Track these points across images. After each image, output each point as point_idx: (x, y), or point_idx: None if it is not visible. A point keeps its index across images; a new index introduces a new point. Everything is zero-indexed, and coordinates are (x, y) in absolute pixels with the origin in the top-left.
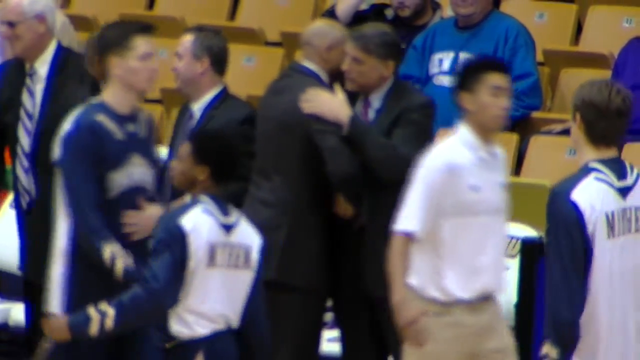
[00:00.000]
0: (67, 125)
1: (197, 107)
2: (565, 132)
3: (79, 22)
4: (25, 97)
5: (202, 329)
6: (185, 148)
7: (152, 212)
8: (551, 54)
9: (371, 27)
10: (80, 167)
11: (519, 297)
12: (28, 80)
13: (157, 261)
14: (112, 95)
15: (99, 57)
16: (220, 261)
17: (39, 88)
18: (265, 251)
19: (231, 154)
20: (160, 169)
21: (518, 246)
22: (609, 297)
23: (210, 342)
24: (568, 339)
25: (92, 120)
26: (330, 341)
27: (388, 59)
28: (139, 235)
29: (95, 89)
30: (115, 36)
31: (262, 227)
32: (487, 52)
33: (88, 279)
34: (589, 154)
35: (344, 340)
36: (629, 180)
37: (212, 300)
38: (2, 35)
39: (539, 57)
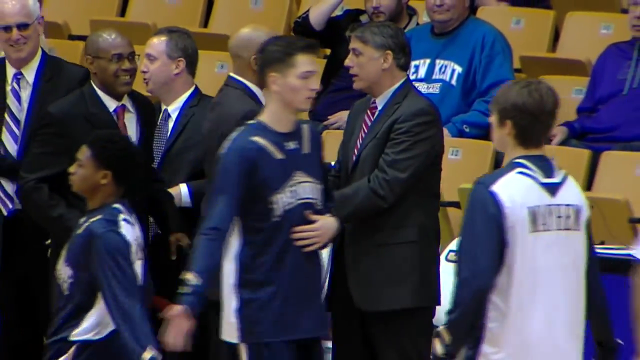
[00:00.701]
0: (223, 147)
1: (173, 108)
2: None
3: (50, 28)
4: (10, 102)
5: None
6: (84, 153)
7: (323, 223)
8: (528, 60)
9: (372, 22)
10: (220, 195)
11: None
12: (15, 85)
13: None
14: (270, 113)
15: (261, 70)
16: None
17: (26, 93)
18: None
19: (133, 156)
20: None
21: None
22: (534, 293)
23: None
24: (474, 312)
25: (247, 142)
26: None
27: (385, 49)
28: (315, 247)
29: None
30: (278, 52)
31: None
32: (464, 58)
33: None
34: (518, 154)
35: (335, 354)
36: (557, 178)
37: None
38: (13, 39)
39: (516, 64)
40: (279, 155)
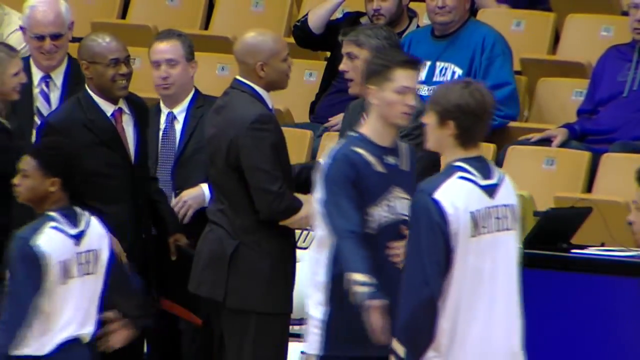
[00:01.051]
0: (325, 158)
1: (179, 111)
2: (543, 141)
3: None
4: (40, 104)
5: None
6: (29, 163)
7: None
8: (528, 62)
9: (365, 25)
10: (340, 199)
11: None
12: (43, 87)
13: None
14: (371, 126)
15: (363, 82)
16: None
17: (55, 96)
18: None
19: (79, 161)
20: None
21: None
22: (474, 295)
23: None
24: (425, 320)
25: (350, 152)
26: (303, 354)
27: None
28: None
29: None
30: (377, 65)
31: (215, 247)
32: (464, 61)
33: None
34: (458, 155)
35: None
36: (495, 179)
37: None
38: (45, 48)
39: (516, 66)
40: (379, 168)
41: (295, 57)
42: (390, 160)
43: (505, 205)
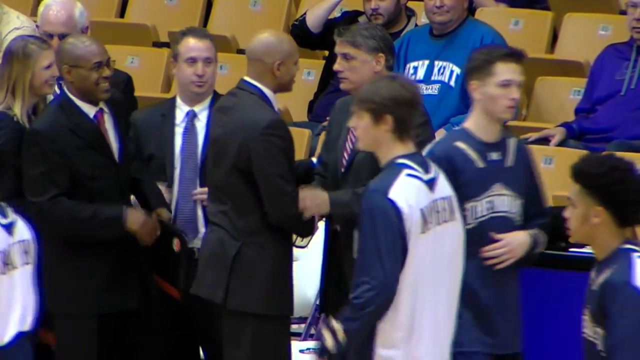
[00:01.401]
0: (424, 151)
1: (200, 109)
2: (541, 140)
3: None
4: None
5: None
6: None
7: (511, 239)
8: (527, 61)
9: (359, 24)
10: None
11: None
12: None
13: None
14: (475, 121)
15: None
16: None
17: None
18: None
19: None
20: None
21: None
22: (426, 291)
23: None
24: (379, 318)
25: (449, 147)
26: (302, 352)
27: (378, 52)
28: (506, 263)
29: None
30: (478, 60)
31: (216, 249)
32: (463, 60)
33: None
34: (398, 150)
35: None
36: (432, 173)
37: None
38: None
39: None
40: (480, 164)
41: None
42: (494, 156)
43: (443, 198)
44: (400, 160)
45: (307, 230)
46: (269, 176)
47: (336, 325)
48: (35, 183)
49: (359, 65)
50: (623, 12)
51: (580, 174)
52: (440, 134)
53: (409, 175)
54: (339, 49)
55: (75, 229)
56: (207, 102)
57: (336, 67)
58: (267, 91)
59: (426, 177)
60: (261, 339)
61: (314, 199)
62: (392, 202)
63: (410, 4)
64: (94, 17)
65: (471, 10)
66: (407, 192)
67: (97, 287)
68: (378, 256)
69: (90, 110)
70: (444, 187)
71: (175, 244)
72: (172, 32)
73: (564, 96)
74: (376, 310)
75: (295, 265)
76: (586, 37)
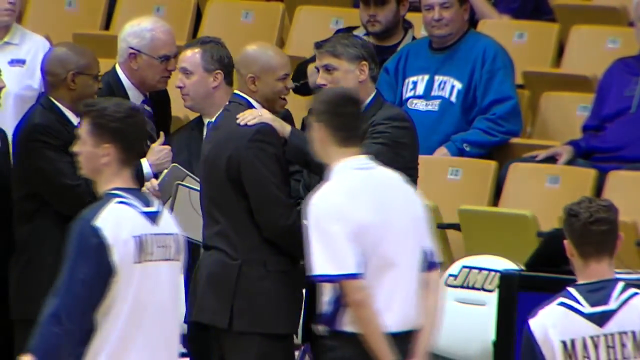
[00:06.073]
0: None
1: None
2: (549, 159)
3: None
4: None
5: None
6: None
7: None
8: (531, 76)
9: (338, 34)
10: None
11: (497, 333)
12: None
13: None
14: None
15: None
16: None
17: None
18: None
19: None
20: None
21: (496, 280)
22: (137, 327)
23: None
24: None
25: None
26: None
27: (360, 60)
28: None
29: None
30: None
31: (216, 271)
32: (464, 74)
33: None
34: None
35: None
36: (155, 207)
37: None
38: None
39: (519, 80)
40: None
41: None
42: None
43: (169, 234)
44: (115, 192)
45: (297, 244)
46: (259, 184)
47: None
48: (71, 168)
49: (342, 76)
50: (632, 25)
51: None
52: (440, 152)
53: (121, 202)
54: (319, 61)
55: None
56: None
57: (319, 80)
58: (255, 103)
59: (145, 208)
60: (267, 358)
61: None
62: (96, 230)
63: (409, 16)
64: (78, 29)
65: (473, 22)
66: (114, 219)
67: None
68: (70, 285)
69: (73, 118)
70: (170, 223)
71: None
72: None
73: (570, 112)
74: (56, 345)
75: None
76: (594, 50)
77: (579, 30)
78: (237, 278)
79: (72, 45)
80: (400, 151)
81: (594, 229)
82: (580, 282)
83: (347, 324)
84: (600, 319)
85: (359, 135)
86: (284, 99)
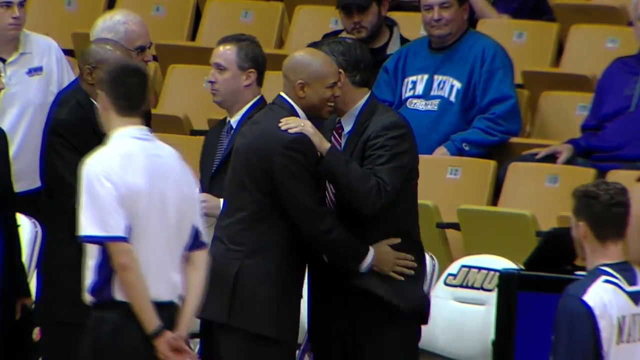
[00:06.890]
0: None
1: (235, 120)
2: (548, 158)
3: None
4: None
5: None
6: None
7: None
8: (531, 75)
9: (319, 42)
10: None
11: (496, 332)
12: None
13: None
14: None
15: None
16: None
17: None
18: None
19: None
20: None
21: (495, 279)
22: None
23: None
24: None
25: None
26: None
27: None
28: None
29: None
30: None
31: (217, 268)
32: (463, 74)
33: None
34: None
35: None
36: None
37: None
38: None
39: (518, 79)
40: None
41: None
42: None
43: None
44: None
45: (337, 253)
46: (291, 192)
47: None
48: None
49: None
50: (632, 24)
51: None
52: (439, 151)
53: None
54: None
55: None
56: (240, 113)
57: None
58: (298, 109)
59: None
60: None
61: None
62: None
63: (395, 16)
64: (78, 28)
65: (472, 21)
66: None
67: None
68: None
69: None
70: None
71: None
72: (160, 44)
73: (569, 112)
74: None
75: None
76: (593, 49)
77: (579, 29)
78: (237, 275)
79: (96, 42)
80: (401, 160)
81: (614, 210)
82: (602, 262)
83: (117, 292)
84: (636, 298)
85: (140, 107)
86: (331, 105)
